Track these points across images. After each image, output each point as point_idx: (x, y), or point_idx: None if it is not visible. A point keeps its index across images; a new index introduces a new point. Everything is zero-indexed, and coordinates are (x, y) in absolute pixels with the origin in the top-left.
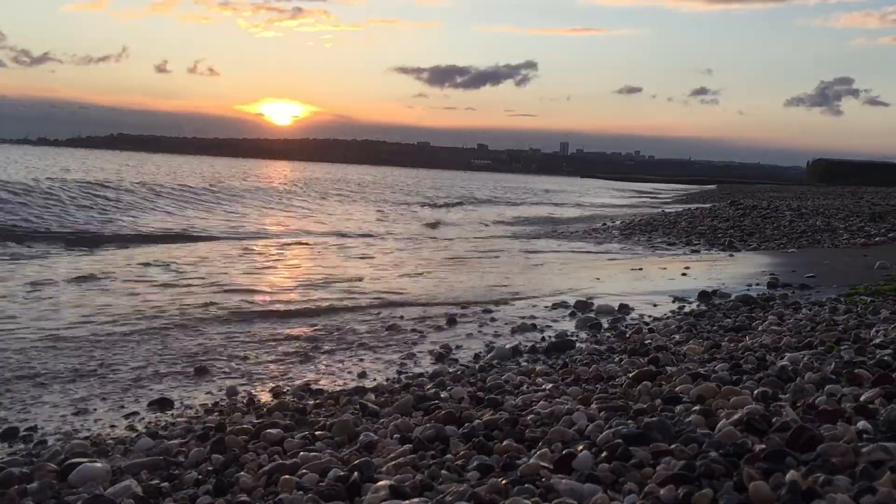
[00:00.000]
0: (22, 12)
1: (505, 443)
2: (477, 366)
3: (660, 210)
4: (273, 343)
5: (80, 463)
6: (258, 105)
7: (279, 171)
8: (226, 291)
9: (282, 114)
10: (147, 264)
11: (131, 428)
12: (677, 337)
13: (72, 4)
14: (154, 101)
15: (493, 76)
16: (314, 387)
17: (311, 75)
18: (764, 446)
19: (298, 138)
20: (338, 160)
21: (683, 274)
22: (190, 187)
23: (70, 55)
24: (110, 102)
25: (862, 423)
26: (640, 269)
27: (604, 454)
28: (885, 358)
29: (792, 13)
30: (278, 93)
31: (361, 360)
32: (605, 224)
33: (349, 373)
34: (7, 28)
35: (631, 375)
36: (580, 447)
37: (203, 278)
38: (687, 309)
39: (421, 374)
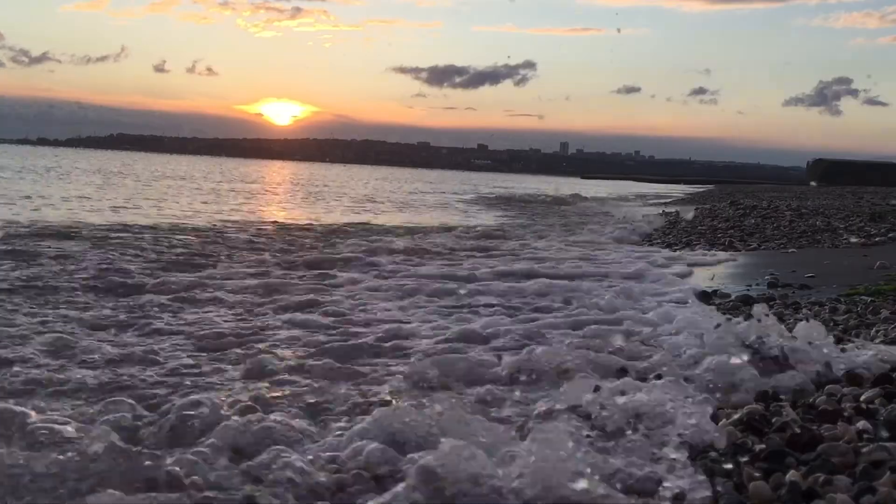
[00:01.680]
0: (20, 12)
1: None
2: None
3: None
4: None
5: None
6: (258, 105)
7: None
8: None
9: (281, 114)
10: None
11: None
12: None
13: (70, 4)
14: (153, 100)
15: (492, 76)
16: None
17: (311, 75)
18: (764, 446)
19: (298, 138)
20: (337, 160)
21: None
22: None
23: (69, 55)
24: (109, 102)
25: (862, 423)
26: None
27: None
28: None
29: (791, 13)
30: (278, 93)
31: None
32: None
33: None
34: (6, 28)
35: None
36: None
37: None
38: None
39: None
